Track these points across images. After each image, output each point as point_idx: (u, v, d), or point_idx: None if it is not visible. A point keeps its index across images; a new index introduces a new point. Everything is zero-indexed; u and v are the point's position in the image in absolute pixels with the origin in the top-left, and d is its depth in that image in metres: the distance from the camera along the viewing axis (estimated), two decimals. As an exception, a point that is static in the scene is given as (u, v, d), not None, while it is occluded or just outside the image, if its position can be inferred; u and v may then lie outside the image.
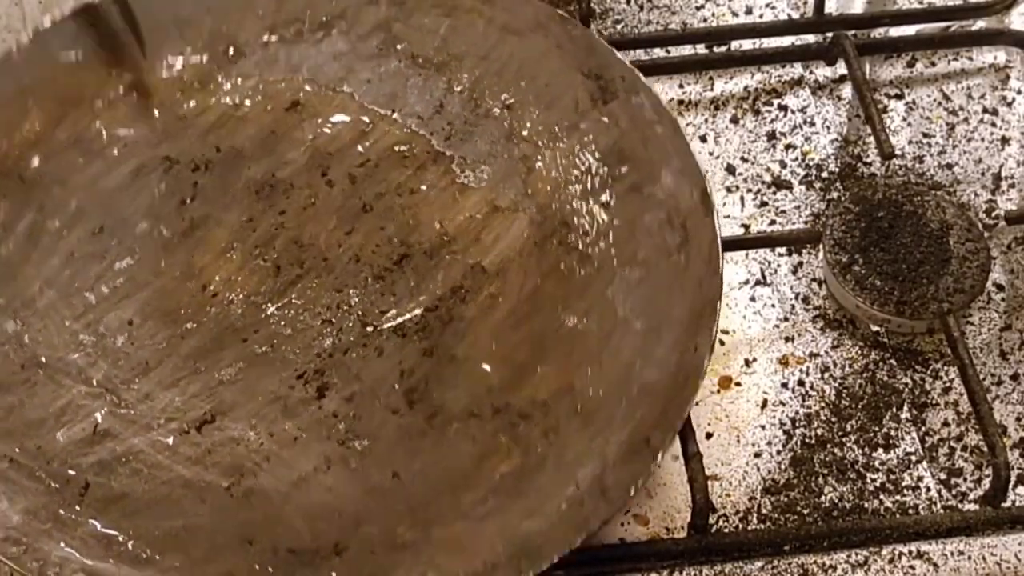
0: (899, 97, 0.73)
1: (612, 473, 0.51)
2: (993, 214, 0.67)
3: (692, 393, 0.52)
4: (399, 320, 0.58)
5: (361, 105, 0.64)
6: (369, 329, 0.58)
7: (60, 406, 0.55)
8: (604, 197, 0.60)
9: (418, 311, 0.58)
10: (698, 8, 0.76)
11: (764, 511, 0.57)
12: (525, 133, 0.63)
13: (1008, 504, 0.56)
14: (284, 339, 0.57)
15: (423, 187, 0.62)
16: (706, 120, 0.71)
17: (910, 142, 0.70)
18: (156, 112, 0.63)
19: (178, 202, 0.61)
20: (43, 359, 0.56)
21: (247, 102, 0.64)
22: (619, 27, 0.75)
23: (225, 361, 0.57)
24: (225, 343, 0.57)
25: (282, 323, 0.58)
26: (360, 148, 0.63)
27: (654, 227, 0.58)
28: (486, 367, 0.56)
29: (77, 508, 0.52)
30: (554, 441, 0.54)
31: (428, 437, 0.54)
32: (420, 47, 0.64)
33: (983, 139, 0.70)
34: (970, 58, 0.74)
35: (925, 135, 0.71)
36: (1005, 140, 0.70)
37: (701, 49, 0.74)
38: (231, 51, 0.64)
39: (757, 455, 0.58)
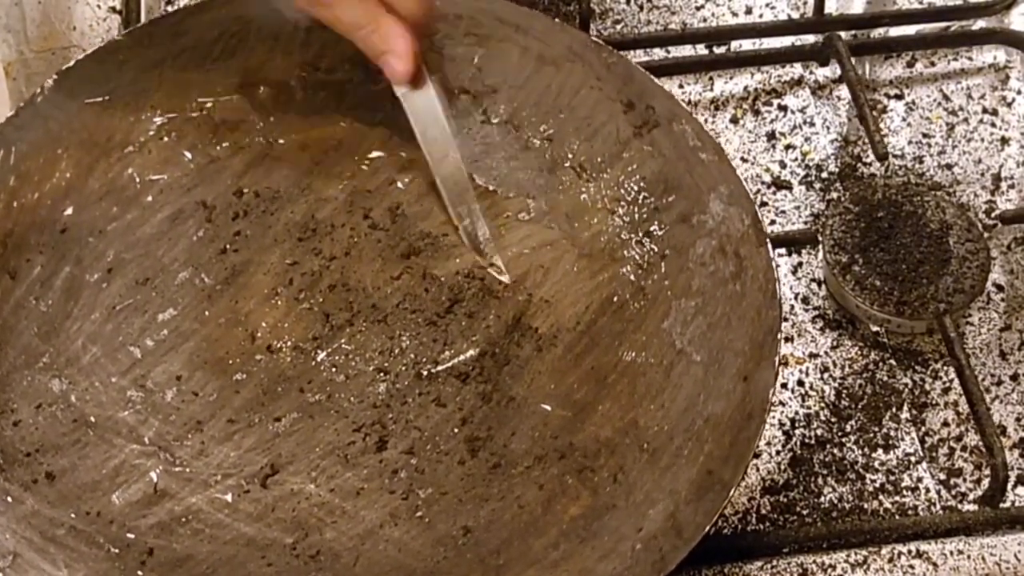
0: (898, 97, 0.73)
1: (685, 511, 0.51)
2: (993, 214, 0.67)
3: (760, 425, 0.51)
4: (453, 363, 0.57)
5: (398, 140, 0.63)
6: (424, 374, 0.56)
7: (113, 467, 0.53)
8: (653, 227, 0.59)
9: (472, 352, 0.57)
10: (698, 8, 0.76)
11: (763, 511, 0.57)
12: (567, 165, 0.61)
13: (1007, 504, 0.57)
14: (337, 387, 0.56)
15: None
16: (706, 120, 0.71)
17: (910, 142, 0.70)
18: (188, 155, 0.61)
19: (218, 248, 0.59)
20: (92, 418, 0.54)
21: (280, 140, 0.62)
22: (619, 27, 0.75)
23: (279, 412, 0.55)
24: (277, 393, 0.56)
25: (334, 370, 0.56)
26: (400, 184, 0.62)
27: (706, 256, 0.58)
28: (546, 407, 0.55)
29: (140, 574, 0.50)
30: (622, 481, 0.53)
31: (494, 484, 0.53)
32: (455, 78, 0.63)
33: (983, 139, 0.71)
34: (970, 58, 0.74)
35: (925, 135, 0.71)
36: (1005, 140, 0.71)
37: (701, 49, 0.74)
38: (261, 89, 0.63)
39: (756, 455, 0.58)
